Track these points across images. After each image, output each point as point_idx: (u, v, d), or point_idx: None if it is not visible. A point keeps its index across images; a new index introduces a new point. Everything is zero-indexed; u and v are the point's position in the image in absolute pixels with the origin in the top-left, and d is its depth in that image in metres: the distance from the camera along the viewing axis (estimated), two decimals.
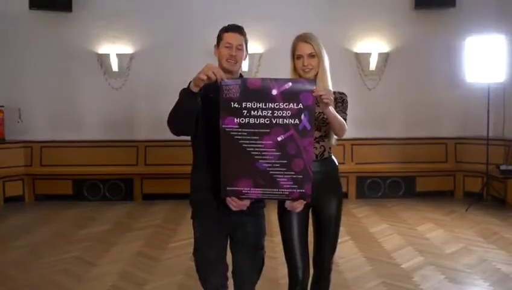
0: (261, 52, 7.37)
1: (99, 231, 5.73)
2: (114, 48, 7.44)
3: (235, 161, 2.35)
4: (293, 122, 2.28)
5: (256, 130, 2.30)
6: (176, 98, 2.48)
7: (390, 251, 4.86)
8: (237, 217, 2.60)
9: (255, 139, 2.31)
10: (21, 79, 7.44)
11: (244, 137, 2.32)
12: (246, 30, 2.68)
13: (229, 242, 2.73)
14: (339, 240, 2.88)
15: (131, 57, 7.51)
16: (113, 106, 7.54)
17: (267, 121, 2.29)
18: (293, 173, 2.32)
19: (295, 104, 2.27)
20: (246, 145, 2.32)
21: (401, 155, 7.33)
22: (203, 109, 2.52)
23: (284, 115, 2.28)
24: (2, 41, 7.36)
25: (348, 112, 2.81)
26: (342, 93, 2.80)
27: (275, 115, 2.28)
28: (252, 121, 2.30)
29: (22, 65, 7.43)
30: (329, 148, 2.78)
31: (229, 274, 2.73)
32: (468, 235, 5.41)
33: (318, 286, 2.89)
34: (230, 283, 2.72)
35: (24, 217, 6.44)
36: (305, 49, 2.67)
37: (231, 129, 2.32)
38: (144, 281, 4.14)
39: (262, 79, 2.31)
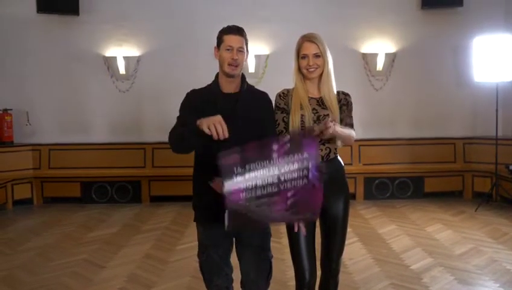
0: (268, 54, 7.37)
1: (107, 233, 5.74)
2: (121, 51, 7.47)
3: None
4: (301, 178, 2.15)
5: (264, 200, 2.15)
6: (181, 100, 2.49)
7: (399, 252, 4.83)
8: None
9: (264, 209, 2.18)
10: (29, 82, 7.49)
11: (253, 209, 2.18)
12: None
13: (235, 246, 2.72)
14: (347, 241, 2.87)
15: (138, 59, 7.53)
16: (120, 108, 7.56)
17: (274, 188, 2.14)
18: (301, 215, 2.30)
19: (299, 159, 2.14)
20: (256, 215, 2.20)
21: (409, 155, 7.30)
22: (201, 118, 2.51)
23: (291, 176, 2.14)
24: (10, 44, 7.42)
25: (355, 112, 2.82)
26: (347, 95, 2.81)
27: (282, 179, 2.14)
28: (258, 192, 2.14)
29: (29, 68, 7.47)
30: (335, 149, 2.79)
31: (236, 276, 2.72)
32: (477, 235, 5.37)
33: (326, 288, 2.87)
34: (237, 285, 2.71)
35: (33, 219, 6.47)
36: (310, 48, 2.68)
37: (238, 207, 2.17)
38: (152, 283, 4.14)
39: (260, 142, 2.21)
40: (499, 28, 6.97)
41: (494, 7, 7.30)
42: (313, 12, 7.29)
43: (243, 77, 2.69)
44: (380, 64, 7.42)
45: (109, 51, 7.50)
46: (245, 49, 2.63)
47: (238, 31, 2.62)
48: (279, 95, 2.76)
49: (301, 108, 2.70)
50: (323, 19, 7.14)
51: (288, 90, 2.77)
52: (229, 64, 2.58)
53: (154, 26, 7.48)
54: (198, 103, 2.61)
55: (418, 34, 7.44)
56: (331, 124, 2.44)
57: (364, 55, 7.50)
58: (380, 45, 7.45)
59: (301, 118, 2.69)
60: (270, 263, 2.72)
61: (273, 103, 2.75)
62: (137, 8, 7.46)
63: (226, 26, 2.66)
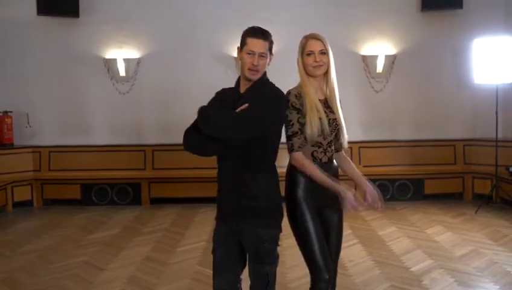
0: None
1: (107, 235, 5.74)
2: (121, 53, 7.47)
3: None
4: None
5: None
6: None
7: (399, 254, 4.83)
8: (237, 225, 2.59)
9: None
10: (29, 84, 7.49)
11: None
12: None
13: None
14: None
15: (138, 61, 7.54)
16: (120, 110, 7.56)
17: None
18: None
19: None
20: None
21: (409, 157, 7.30)
22: None
23: None
24: (10, 46, 7.42)
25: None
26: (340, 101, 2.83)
27: None
28: None
29: (30, 70, 7.48)
30: (334, 151, 2.82)
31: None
32: (477, 237, 5.37)
33: None
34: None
35: (33, 221, 6.47)
36: (316, 45, 2.68)
37: None
38: (152, 286, 4.14)
39: None
40: (499, 30, 6.97)
41: (494, 9, 7.30)
42: (314, 14, 7.29)
43: (260, 79, 2.61)
44: (380, 66, 7.42)
45: (109, 53, 7.50)
46: (268, 53, 2.57)
47: (262, 34, 2.55)
48: (294, 95, 2.67)
49: (317, 110, 2.69)
50: (323, 21, 7.13)
51: (299, 91, 2.71)
52: (249, 69, 2.54)
53: (154, 28, 7.49)
54: (216, 101, 2.66)
55: (418, 36, 7.44)
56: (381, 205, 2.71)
57: (364, 57, 7.50)
58: (380, 47, 7.46)
59: (319, 120, 2.67)
60: (267, 276, 2.57)
61: (288, 102, 2.64)
62: (137, 10, 7.47)
63: (251, 27, 2.59)
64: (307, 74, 2.72)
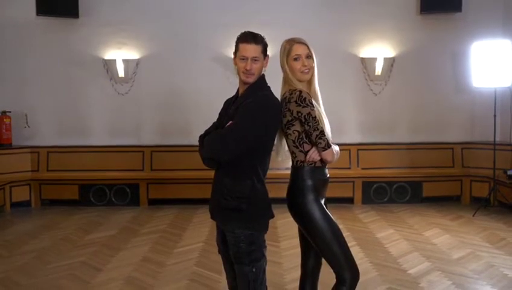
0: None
1: (105, 236, 5.74)
2: (120, 54, 7.48)
3: None
4: None
5: None
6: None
7: (396, 257, 4.83)
8: (222, 224, 2.65)
9: None
10: (28, 85, 7.49)
11: None
12: None
13: None
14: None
15: (137, 62, 7.54)
16: (119, 111, 7.57)
17: None
18: None
19: None
20: None
21: (408, 160, 7.30)
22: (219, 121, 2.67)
23: None
24: (10, 47, 7.42)
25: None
26: None
27: None
28: None
29: (28, 71, 7.48)
30: None
31: None
32: (475, 240, 5.38)
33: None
34: None
35: (30, 222, 6.47)
36: (302, 50, 2.66)
37: None
38: (149, 287, 4.14)
39: None
40: (497, 34, 6.99)
41: (493, 13, 7.33)
42: (313, 17, 7.30)
43: (256, 82, 2.60)
44: (378, 69, 7.43)
45: (108, 54, 7.51)
46: (262, 57, 2.57)
47: (254, 38, 2.55)
48: (307, 94, 2.61)
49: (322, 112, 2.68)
50: (321, 24, 7.16)
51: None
52: (243, 73, 2.56)
53: (154, 30, 7.50)
54: (221, 113, 2.75)
55: (417, 39, 7.46)
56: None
57: (363, 60, 7.50)
58: (378, 50, 7.46)
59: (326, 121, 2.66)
60: (247, 276, 2.54)
61: (306, 100, 2.56)
62: (136, 11, 7.47)
63: (242, 32, 2.60)
64: (296, 78, 2.68)
